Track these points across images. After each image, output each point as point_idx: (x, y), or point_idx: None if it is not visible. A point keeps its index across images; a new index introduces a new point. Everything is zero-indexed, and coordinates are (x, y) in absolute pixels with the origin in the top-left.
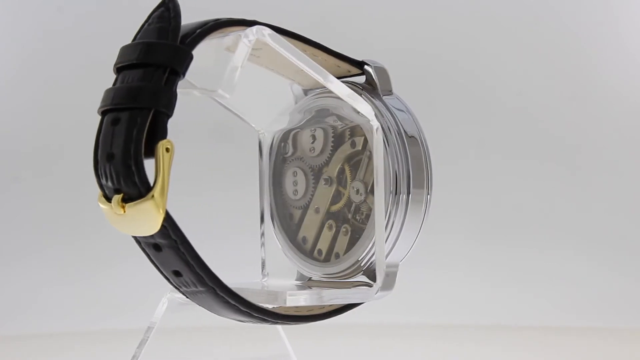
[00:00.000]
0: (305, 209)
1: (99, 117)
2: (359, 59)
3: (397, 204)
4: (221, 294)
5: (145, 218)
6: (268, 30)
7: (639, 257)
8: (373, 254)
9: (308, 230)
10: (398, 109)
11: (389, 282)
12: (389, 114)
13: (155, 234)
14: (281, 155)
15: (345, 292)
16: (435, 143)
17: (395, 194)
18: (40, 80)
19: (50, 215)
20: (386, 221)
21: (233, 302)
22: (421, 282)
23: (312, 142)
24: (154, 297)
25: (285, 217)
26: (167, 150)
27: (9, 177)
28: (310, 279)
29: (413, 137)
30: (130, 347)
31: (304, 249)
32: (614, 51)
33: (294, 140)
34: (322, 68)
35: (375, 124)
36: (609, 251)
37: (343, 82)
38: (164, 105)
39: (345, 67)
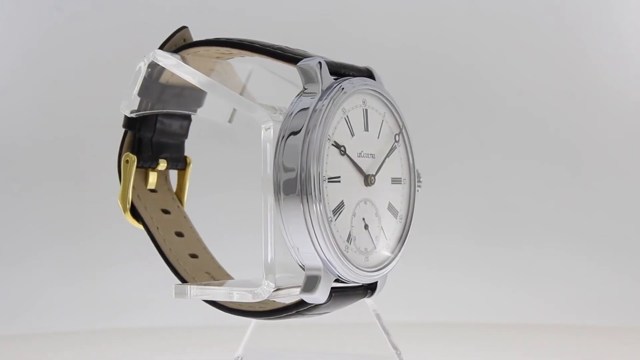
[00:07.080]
0: None
1: None
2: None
3: (276, 204)
4: (176, 276)
5: None
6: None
7: (639, 257)
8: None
9: None
10: (303, 109)
11: (309, 285)
12: (288, 117)
13: None
14: None
15: (229, 291)
16: (436, 143)
17: (273, 194)
18: (40, 79)
19: (51, 215)
20: (269, 221)
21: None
22: (421, 282)
23: None
24: (154, 297)
25: None
26: (127, 161)
27: (9, 177)
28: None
29: (293, 141)
30: (131, 347)
31: None
32: (615, 51)
33: None
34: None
35: (266, 126)
36: (609, 251)
37: None
38: (130, 126)
39: (292, 67)
